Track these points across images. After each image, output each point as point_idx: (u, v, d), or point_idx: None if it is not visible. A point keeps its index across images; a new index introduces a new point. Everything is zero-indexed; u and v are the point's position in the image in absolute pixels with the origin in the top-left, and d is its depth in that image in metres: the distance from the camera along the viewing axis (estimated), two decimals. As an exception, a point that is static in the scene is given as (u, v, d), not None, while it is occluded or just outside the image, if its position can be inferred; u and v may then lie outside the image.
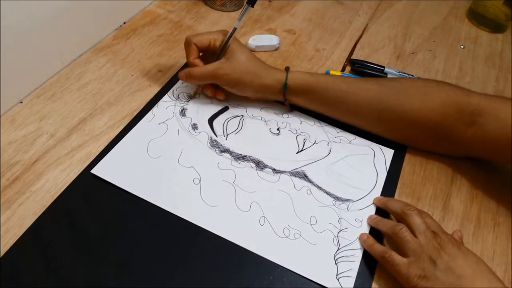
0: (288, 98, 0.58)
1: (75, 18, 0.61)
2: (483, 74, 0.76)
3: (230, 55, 0.56)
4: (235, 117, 0.60)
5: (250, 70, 0.56)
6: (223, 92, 0.60)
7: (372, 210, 0.53)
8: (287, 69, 0.58)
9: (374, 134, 0.60)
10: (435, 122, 0.55)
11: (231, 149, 0.56)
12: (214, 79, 0.57)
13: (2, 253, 0.44)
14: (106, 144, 0.54)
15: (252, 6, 0.54)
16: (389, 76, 0.70)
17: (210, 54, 0.58)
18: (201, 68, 0.57)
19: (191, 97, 0.61)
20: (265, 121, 0.61)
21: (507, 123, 0.51)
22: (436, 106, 0.54)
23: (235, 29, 0.55)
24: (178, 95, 0.62)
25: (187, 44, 0.57)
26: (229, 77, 0.56)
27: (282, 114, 0.62)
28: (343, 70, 0.72)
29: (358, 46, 0.77)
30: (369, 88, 0.56)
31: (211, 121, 0.59)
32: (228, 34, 0.56)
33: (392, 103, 0.55)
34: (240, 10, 0.56)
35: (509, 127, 0.51)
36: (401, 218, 0.49)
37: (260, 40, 0.72)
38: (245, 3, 0.54)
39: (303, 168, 0.56)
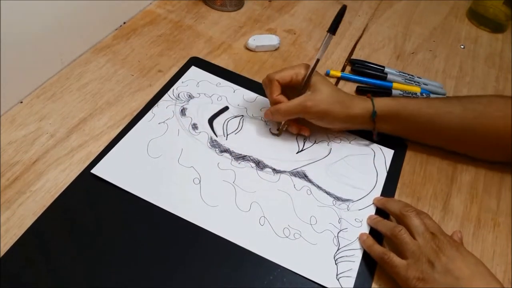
0: (376, 127, 0.57)
1: (75, 18, 0.61)
2: (483, 74, 0.76)
3: (315, 87, 0.55)
4: (235, 117, 0.60)
5: (337, 101, 0.55)
6: (308, 128, 0.59)
7: (372, 210, 0.53)
8: (370, 97, 0.57)
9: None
10: None
11: (231, 149, 0.56)
12: (302, 113, 0.55)
13: (2, 253, 0.44)
14: (106, 144, 0.54)
15: (334, 34, 0.53)
16: (389, 76, 0.70)
17: (290, 90, 0.57)
18: (288, 103, 0.55)
19: (276, 134, 0.59)
20: (265, 121, 0.61)
21: None
22: None
23: (318, 60, 0.54)
24: (178, 95, 0.62)
25: (269, 81, 0.56)
26: (318, 109, 0.54)
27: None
28: (343, 70, 0.72)
29: (358, 46, 0.77)
30: (453, 112, 0.56)
31: (211, 121, 0.59)
32: (311, 66, 0.55)
33: (477, 127, 0.56)
34: (322, 41, 0.55)
35: None
36: (400, 219, 0.49)
37: (260, 40, 0.72)
38: (326, 32, 0.53)
39: (303, 168, 0.56)
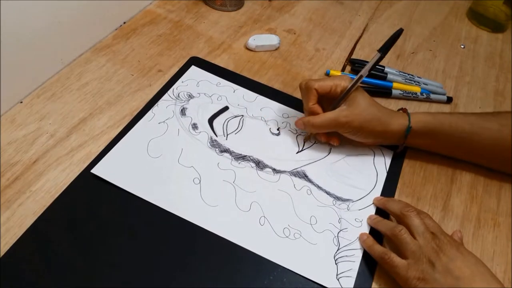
0: (408, 142, 0.56)
1: (75, 18, 0.61)
2: (483, 74, 0.76)
3: (352, 101, 0.53)
4: (235, 117, 0.60)
5: (374, 117, 0.54)
6: (338, 138, 0.58)
7: (372, 210, 0.53)
8: (406, 111, 0.56)
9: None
10: None
11: (231, 149, 0.56)
12: (336, 127, 0.54)
13: (2, 253, 0.44)
14: (106, 144, 0.54)
15: (384, 54, 0.51)
16: (389, 76, 0.70)
17: (326, 100, 0.56)
18: (322, 117, 0.54)
19: (304, 141, 0.59)
20: (265, 121, 0.61)
21: None
22: None
23: (361, 76, 0.52)
24: (178, 94, 0.62)
25: (308, 89, 0.54)
26: (352, 124, 0.53)
27: (282, 114, 0.62)
28: (343, 70, 0.72)
29: (358, 46, 0.77)
30: (490, 128, 0.55)
31: (211, 121, 0.59)
32: (354, 81, 0.53)
33: None
34: (371, 59, 0.52)
35: None
36: (400, 219, 0.49)
37: (260, 40, 0.72)
38: (377, 51, 0.51)
39: (303, 168, 0.56)
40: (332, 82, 0.54)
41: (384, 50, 0.51)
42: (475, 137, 0.55)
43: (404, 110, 0.57)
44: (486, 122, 0.56)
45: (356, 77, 0.53)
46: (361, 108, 0.53)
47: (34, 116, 0.56)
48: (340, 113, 0.53)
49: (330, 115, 0.54)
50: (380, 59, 0.52)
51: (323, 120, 0.54)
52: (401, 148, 0.58)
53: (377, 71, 0.71)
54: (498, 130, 0.55)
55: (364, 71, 0.53)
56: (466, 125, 0.55)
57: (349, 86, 0.53)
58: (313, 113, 0.55)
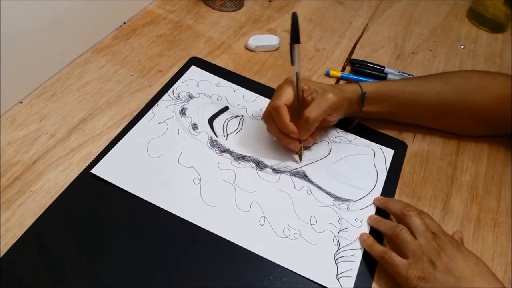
0: (364, 110, 0.58)
1: (75, 18, 0.61)
2: (483, 74, 0.76)
3: (319, 89, 0.53)
4: (235, 117, 0.60)
5: (338, 90, 0.54)
6: (317, 134, 0.57)
7: (372, 210, 0.53)
8: (354, 81, 0.58)
9: (374, 129, 0.62)
10: (494, 113, 0.59)
11: (231, 149, 0.56)
12: (331, 110, 0.52)
13: (2, 253, 0.44)
14: (106, 144, 0.54)
15: (298, 43, 0.49)
16: (389, 76, 0.70)
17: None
18: (316, 108, 0.51)
19: (299, 158, 0.56)
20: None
21: None
22: (494, 99, 0.58)
23: (297, 74, 0.51)
24: (178, 95, 0.62)
25: (278, 108, 0.51)
26: (339, 101, 0.53)
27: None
28: (343, 70, 0.72)
29: (358, 46, 0.77)
30: (435, 88, 0.59)
31: (211, 121, 0.59)
32: (295, 81, 0.51)
33: (456, 101, 0.59)
34: (293, 52, 0.49)
35: None
36: (401, 219, 0.49)
37: (260, 40, 0.72)
38: (290, 42, 0.49)
39: (303, 168, 0.56)
40: (287, 89, 0.52)
41: (296, 39, 0.48)
42: (419, 97, 0.59)
43: (350, 80, 0.59)
44: (430, 83, 0.60)
45: (295, 76, 0.51)
46: (330, 90, 0.54)
47: (34, 116, 0.56)
48: (326, 96, 0.52)
49: (321, 102, 0.52)
50: (294, 49, 0.49)
51: (318, 110, 0.51)
52: (357, 120, 0.59)
53: (377, 72, 0.71)
54: (442, 89, 0.59)
55: (296, 67, 0.51)
56: (411, 87, 0.59)
57: (296, 87, 0.52)
58: (291, 131, 0.52)
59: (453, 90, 0.59)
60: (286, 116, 0.51)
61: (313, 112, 0.51)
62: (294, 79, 0.52)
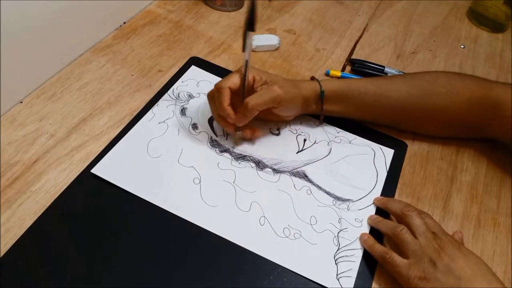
0: (325, 108, 0.57)
1: (75, 18, 0.61)
2: (483, 74, 0.76)
3: (271, 80, 0.53)
4: (235, 117, 0.60)
5: (291, 85, 0.54)
6: (259, 129, 0.57)
7: (372, 210, 0.53)
8: (315, 78, 0.58)
9: (374, 129, 0.62)
10: (462, 116, 0.58)
11: (231, 149, 0.56)
12: (274, 102, 0.52)
13: (2, 253, 0.44)
14: (106, 144, 0.54)
15: (253, 30, 0.47)
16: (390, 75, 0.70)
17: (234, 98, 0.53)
18: (257, 97, 0.51)
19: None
20: (265, 121, 0.61)
21: None
22: (462, 103, 0.57)
23: (247, 61, 0.50)
24: (178, 94, 0.62)
25: (221, 89, 0.51)
26: (284, 94, 0.52)
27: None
28: (343, 70, 0.72)
29: (358, 46, 0.77)
30: (399, 90, 0.58)
31: (211, 121, 0.59)
32: (244, 68, 0.51)
33: (421, 104, 0.58)
34: (246, 39, 0.48)
35: None
36: (401, 219, 0.49)
37: (260, 40, 0.72)
38: (244, 29, 0.47)
39: (303, 168, 0.56)
40: (239, 75, 0.52)
41: (250, 26, 0.47)
42: (384, 99, 0.57)
43: (312, 78, 0.58)
44: (395, 84, 0.58)
45: (244, 64, 0.51)
46: (280, 81, 0.54)
47: (34, 116, 0.56)
48: (272, 88, 0.52)
49: (264, 92, 0.52)
50: (247, 36, 0.48)
51: (259, 99, 0.51)
52: (322, 116, 0.59)
53: (377, 71, 0.71)
54: (406, 91, 0.57)
55: (246, 55, 0.50)
56: (374, 88, 0.57)
57: (243, 74, 0.51)
58: (227, 115, 0.51)
59: (418, 93, 0.57)
60: (225, 98, 0.51)
61: (252, 100, 0.51)
62: (244, 67, 0.51)
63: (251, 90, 0.53)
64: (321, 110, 0.58)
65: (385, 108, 0.58)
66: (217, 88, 0.52)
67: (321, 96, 0.56)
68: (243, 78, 0.52)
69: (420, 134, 0.62)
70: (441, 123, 0.60)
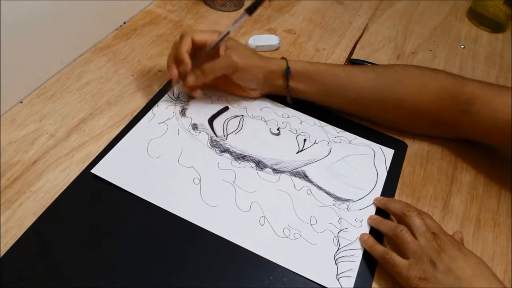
0: (291, 87, 0.58)
1: (75, 18, 0.61)
2: (483, 74, 0.76)
3: (232, 48, 0.55)
4: (235, 117, 0.60)
5: (256, 56, 0.57)
6: (200, 90, 0.59)
7: (372, 210, 0.53)
8: (285, 58, 0.59)
9: (374, 129, 0.62)
10: (431, 111, 0.57)
11: (231, 149, 0.56)
12: (228, 69, 0.55)
13: (2, 253, 0.44)
14: (106, 144, 0.54)
15: (250, 15, 0.54)
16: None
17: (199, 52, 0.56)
18: (214, 63, 0.54)
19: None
20: (265, 121, 0.61)
21: (498, 111, 0.53)
22: (431, 96, 0.56)
23: (228, 32, 0.54)
24: (178, 95, 0.62)
25: (185, 35, 0.54)
26: (244, 62, 0.55)
27: (282, 114, 0.62)
28: (343, 70, 0.72)
29: (358, 46, 0.77)
30: (367, 77, 0.58)
31: (211, 121, 0.59)
32: (221, 35, 0.54)
33: (389, 93, 0.57)
34: (236, 19, 0.54)
35: (500, 115, 0.53)
36: (401, 219, 0.49)
37: (260, 40, 0.72)
38: (244, 10, 0.54)
39: (303, 168, 0.56)
40: (208, 33, 0.55)
41: (251, 11, 0.53)
42: (351, 84, 0.58)
43: (282, 58, 0.59)
44: (364, 72, 0.59)
45: (225, 32, 0.54)
46: (243, 50, 0.56)
47: (34, 116, 0.56)
48: (230, 54, 0.54)
49: (222, 59, 0.54)
50: (243, 17, 0.54)
51: (213, 63, 0.54)
52: (289, 96, 0.60)
53: (377, 71, 0.71)
54: (374, 78, 0.58)
55: (231, 27, 0.54)
56: (342, 72, 0.58)
57: (218, 39, 0.54)
58: (183, 59, 0.53)
59: (385, 81, 0.57)
60: (186, 44, 0.53)
61: (209, 65, 0.54)
62: (223, 33, 0.54)
63: (215, 57, 0.55)
64: (287, 87, 0.59)
65: (351, 94, 0.58)
66: (182, 35, 0.54)
67: (287, 72, 0.57)
68: (218, 41, 0.54)
69: (390, 128, 0.62)
70: (408, 116, 0.59)
